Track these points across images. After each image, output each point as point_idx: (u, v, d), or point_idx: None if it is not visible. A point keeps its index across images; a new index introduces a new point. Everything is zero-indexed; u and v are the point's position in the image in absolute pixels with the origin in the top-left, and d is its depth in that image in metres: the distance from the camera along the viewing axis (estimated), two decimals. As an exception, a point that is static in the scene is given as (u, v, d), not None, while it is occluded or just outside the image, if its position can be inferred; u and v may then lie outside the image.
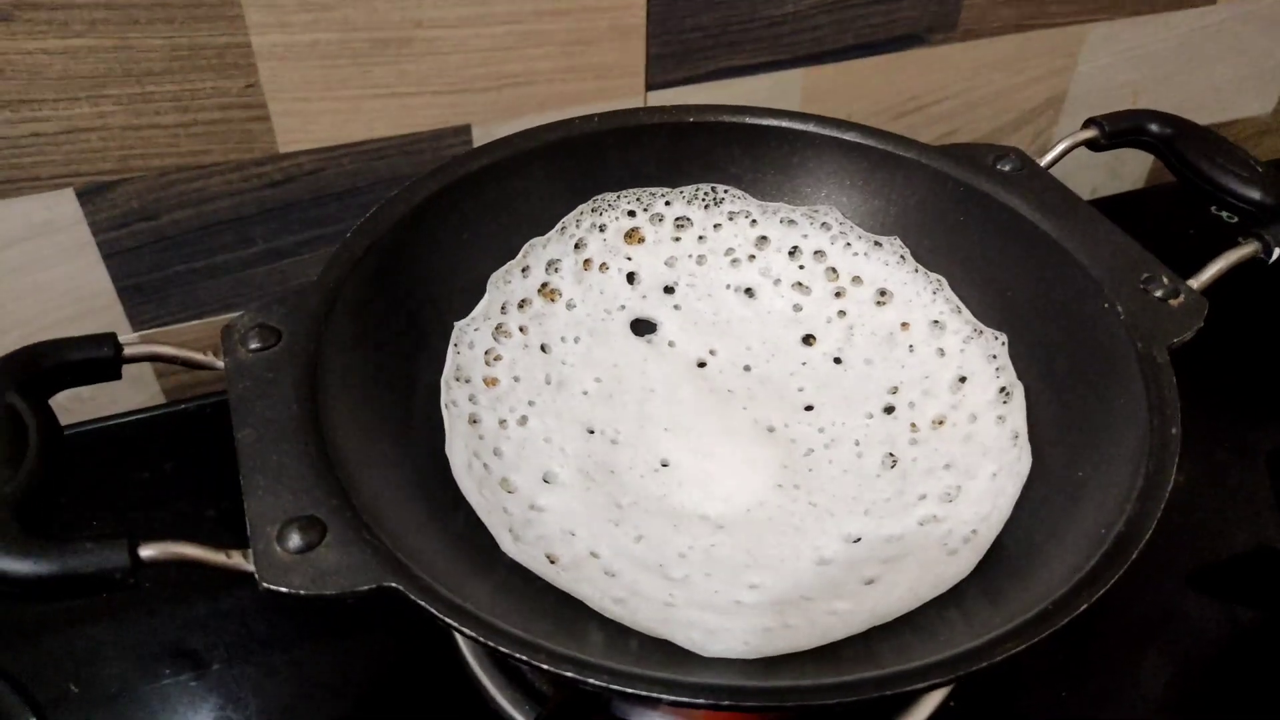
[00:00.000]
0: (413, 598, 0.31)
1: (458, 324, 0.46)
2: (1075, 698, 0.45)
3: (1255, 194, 0.45)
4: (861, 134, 0.50)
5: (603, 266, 0.51)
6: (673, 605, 0.38)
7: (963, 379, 0.46)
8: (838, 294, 0.50)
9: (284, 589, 0.31)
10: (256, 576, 0.31)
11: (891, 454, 0.45)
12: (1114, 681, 0.46)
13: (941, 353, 0.47)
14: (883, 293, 0.50)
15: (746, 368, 0.49)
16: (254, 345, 0.38)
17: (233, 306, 0.59)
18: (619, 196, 0.51)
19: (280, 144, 0.54)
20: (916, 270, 0.49)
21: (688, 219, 0.52)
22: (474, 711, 0.44)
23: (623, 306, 0.50)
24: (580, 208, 0.50)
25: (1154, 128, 0.49)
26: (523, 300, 0.49)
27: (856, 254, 0.51)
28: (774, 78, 0.63)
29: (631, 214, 0.51)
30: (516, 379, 0.47)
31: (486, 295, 0.48)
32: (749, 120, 0.51)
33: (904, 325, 0.48)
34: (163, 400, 0.60)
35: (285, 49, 0.51)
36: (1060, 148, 0.49)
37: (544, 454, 0.44)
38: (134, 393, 0.59)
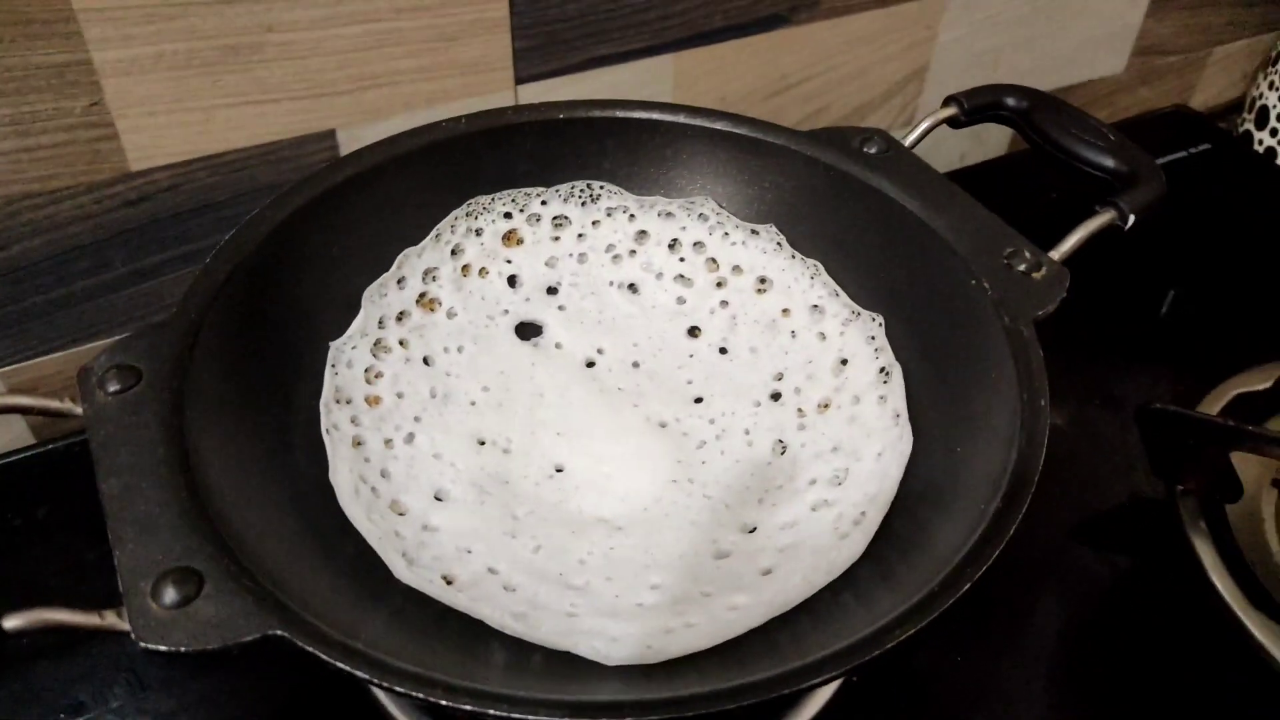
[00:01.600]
0: (299, 644, 0.30)
1: (333, 344, 0.45)
2: (969, 661, 0.47)
3: (1109, 162, 0.47)
4: (731, 122, 0.50)
5: (482, 271, 0.50)
6: (575, 615, 0.38)
7: (844, 361, 0.47)
8: (719, 284, 0.50)
9: (163, 647, 0.30)
10: (133, 636, 0.30)
11: (781, 440, 0.46)
12: (1007, 641, 0.48)
13: (822, 337, 0.48)
14: (763, 280, 0.50)
15: (635, 364, 0.49)
16: (113, 388, 0.36)
17: (97, 335, 0.56)
18: (494, 199, 0.50)
19: (131, 162, 0.52)
20: (793, 257, 0.50)
21: (566, 217, 0.51)
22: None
23: (506, 311, 0.49)
24: (454, 213, 0.49)
25: (1010, 101, 0.50)
26: (401, 313, 0.48)
27: (735, 243, 0.51)
28: (645, 65, 0.62)
29: (508, 215, 0.51)
30: (400, 395, 0.45)
31: (362, 311, 0.46)
32: (619, 114, 0.51)
33: (785, 311, 0.49)
34: (31, 440, 0.57)
35: (129, 63, 0.49)
36: (922, 127, 0.50)
37: (434, 471, 0.43)
38: (0, 432, 0.56)
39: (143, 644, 0.30)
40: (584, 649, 0.36)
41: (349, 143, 0.56)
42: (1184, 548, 0.50)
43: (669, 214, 0.51)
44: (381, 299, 0.47)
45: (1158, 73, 0.85)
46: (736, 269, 0.50)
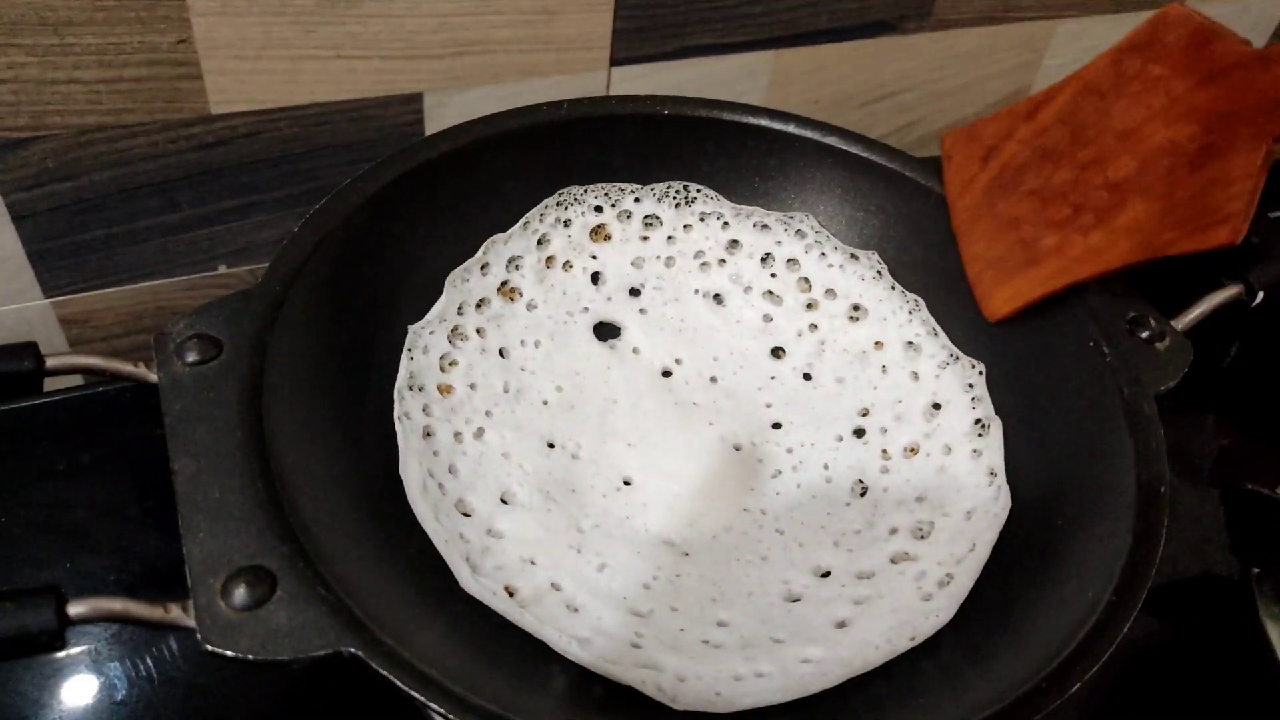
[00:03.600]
0: (373, 665, 0.28)
1: (412, 327, 0.43)
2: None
3: (1239, 231, 0.44)
4: (843, 138, 0.48)
5: (566, 265, 0.48)
6: (639, 646, 0.36)
7: (937, 405, 0.45)
8: (809, 305, 0.48)
9: (230, 652, 0.28)
10: (199, 636, 0.28)
11: (861, 481, 0.44)
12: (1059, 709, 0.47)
13: (915, 376, 0.46)
14: (856, 308, 0.48)
15: (713, 379, 0.47)
16: (191, 358, 0.35)
17: (153, 275, 0.55)
18: (586, 190, 0.48)
19: (212, 104, 0.50)
20: (893, 288, 0.48)
21: (657, 218, 0.49)
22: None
23: (586, 309, 0.48)
24: (546, 201, 0.47)
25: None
26: (481, 300, 0.46)
27: (831, 265, 0.49)
28: (743, 59, 0.60)
29: (598, 209, 0.49)
30: (473, 386, 0.44)
31: (444, 295, 0.45)
32: (725, 116, 0.48)
33: (877, 344, 0.47)
34: (80, 380, 0.55)
35: (223, 4, 0.47)
36: (1045, 167, 0.48)
37: (501, 471, 0.42)
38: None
39: (209, 646, 0.28)
40: (650, 688, 0.34)
41: (434, 108, 0.54)
42: (1255, 631, 0.48)
43: (765, 226, 0.49)
44: (464, 284, 0.46)
45: (1260, 122, 0.82)
46: (830, 292, 0.48)
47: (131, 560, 0.45)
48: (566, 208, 0.48)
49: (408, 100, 0.54)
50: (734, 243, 0.49)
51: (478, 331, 0.45)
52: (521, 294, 0.47)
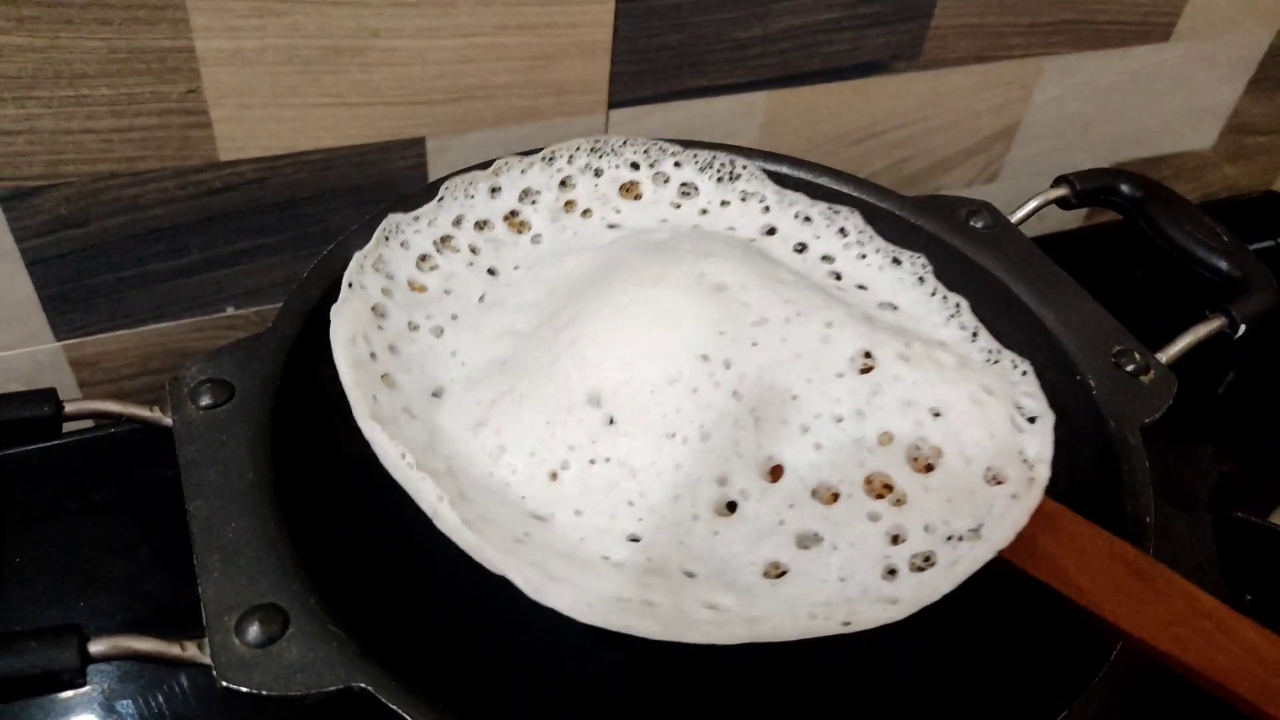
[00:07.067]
0: (382, 699, 0.29)
1: (393, 215, 0.41)
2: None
3: (1222, 264, 0.45)
4: (835, 179, 0.49)
5: (586, 212, 0.45)
6: (522, 543, 0.32)
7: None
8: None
9: (245, 688, 0.29)
10: (215, 673, 0.29)
11: (869, 353, 0.36)
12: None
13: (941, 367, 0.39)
14: (887, 305, 0.43)
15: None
16: (205, 402, 0.36)
17: (163, 318, 0.56)
18: (625, 143, 0.46)
19: (221, 151, 0.51)
20: (934, 293, 0.43)
21: (695, 187, 0.46)
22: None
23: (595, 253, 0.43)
24: (578, 142, 0.46)
25: (1124, 189, 0.49)
26: (483, 221, 0.43)
27: (869, 265, 0.44)
28: (738, 99, 0.62)
29: (635, 166, 0.46)
30: (448, 292, 0.41)
31: (439, 200, 0.42)
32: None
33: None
34: (89, 423, 0.56)
35: (231, 54, 0.48)
36: (1030, 205, 0.49)
37: (444, 367, 0.38)
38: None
39: (224, 682, 0.29)
40: (516, 577, 0.30)
41: (437, 151, 0.55)
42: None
43: (807, 218, 0.46)
44: (467, 198, 0.43)
45: (1247, 152, 0.83)
46: (861, 288, 0.44)
47: (142, 598, 0.46)
48: (601, 156, 0.46)
49: (411, 144, 0.55)
50: (770, 230, 0.45)
51: (471, 249, 0.42)
52: (530, 228, 0.44)
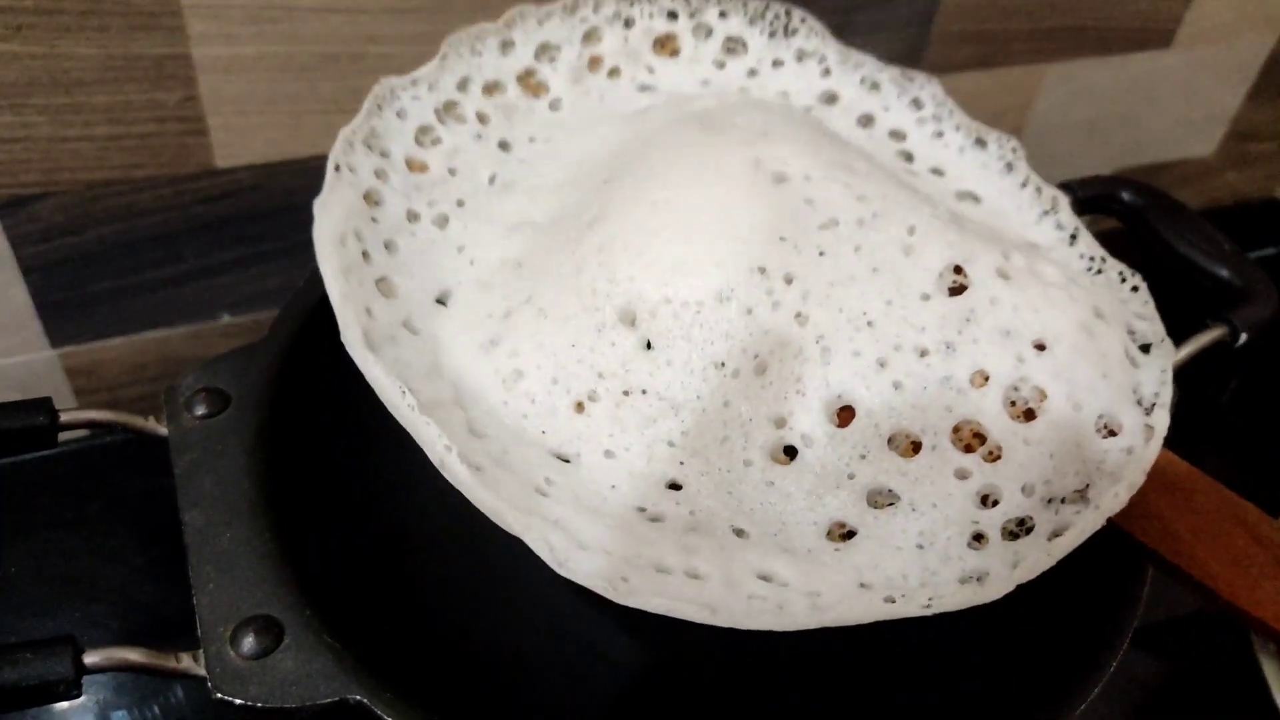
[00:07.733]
0: (377, 711, 0.29)
1: (385, 79, 0.36)
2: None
3: (1223, 273, 0.45)
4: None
5: (613, 71, 0.39)
6: (545, 495, 0.28)
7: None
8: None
9: (239, 700, 0.29)
10: (210, 685, 0.29)
11: (960, 269, 0.30)
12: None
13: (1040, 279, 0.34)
14: (968, 195, 0.37)
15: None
16: (200, 411, 0.35)
17: (158, 324, 0.56)
18: None
19: (217, 158, 0.51)
20: (1025, 184, 0.36)
21: (743, 43, 0.39)
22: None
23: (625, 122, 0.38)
24: None
25: (1125, 196, 0.48)
26: (493, 83, 0.37)
27: (948, 146, 0.38)
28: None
29: (672, 16, 0.39)
30: (452, 171, 0.36)
31: (441, 58, 0.37)
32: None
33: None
34: (85, 432, 0.56)
35: (228, 62, 0.48)
36: (1033, 211, 0.49)
37: (450, 267, 0.33)
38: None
39: (219, 694, 0.29)
40: (538, 543, 0.26)
41: (435, 158, 0.55)
42: (1251, 669, 0.48)
43: (875, 84, 0.39)
44: (473, 55, 0.37)
45: (1248, 159, 0.83)
46: (937, 171, 0.38)
47: (137, 608, 0.45)
48: (632, 3, 0.39)
49: (408, 151, 0.55)
50: (830, 96, 0.39)
51: (479, 117, 0.37)
52: (548, 90, 0.38)
